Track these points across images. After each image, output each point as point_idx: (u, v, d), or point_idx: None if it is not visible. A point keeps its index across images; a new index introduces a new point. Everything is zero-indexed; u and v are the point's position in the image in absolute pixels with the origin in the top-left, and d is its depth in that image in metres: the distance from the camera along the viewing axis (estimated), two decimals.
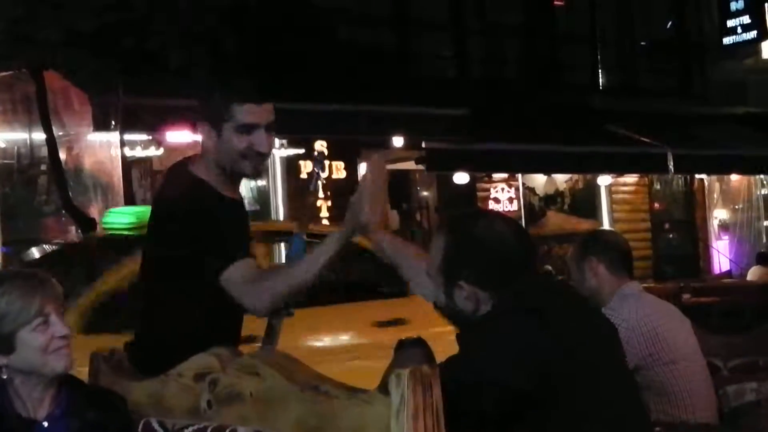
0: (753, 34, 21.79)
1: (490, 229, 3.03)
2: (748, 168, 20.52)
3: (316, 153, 14.46)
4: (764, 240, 22.29)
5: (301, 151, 16.12)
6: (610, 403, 2.82)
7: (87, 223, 11.18)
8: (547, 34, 20.23)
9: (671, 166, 18.43)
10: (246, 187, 16.86)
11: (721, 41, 22.20)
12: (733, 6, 21.97)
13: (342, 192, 16.58)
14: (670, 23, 22.55)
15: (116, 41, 10.44)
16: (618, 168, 19.21)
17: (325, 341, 7.99)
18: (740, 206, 22.13)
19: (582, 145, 17.72)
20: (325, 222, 16.44)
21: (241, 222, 3.82)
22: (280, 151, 16.05)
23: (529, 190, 19.64)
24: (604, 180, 19.87)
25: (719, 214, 22.12)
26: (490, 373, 2.70)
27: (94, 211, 12.09)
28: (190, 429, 2.94)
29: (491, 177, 18.70)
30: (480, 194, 18.71)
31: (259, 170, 3.78)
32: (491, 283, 2.96)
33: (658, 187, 21.20)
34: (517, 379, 2.70)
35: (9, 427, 3.01)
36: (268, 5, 14.72)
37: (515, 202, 18.84)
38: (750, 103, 22.05)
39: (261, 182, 16.68)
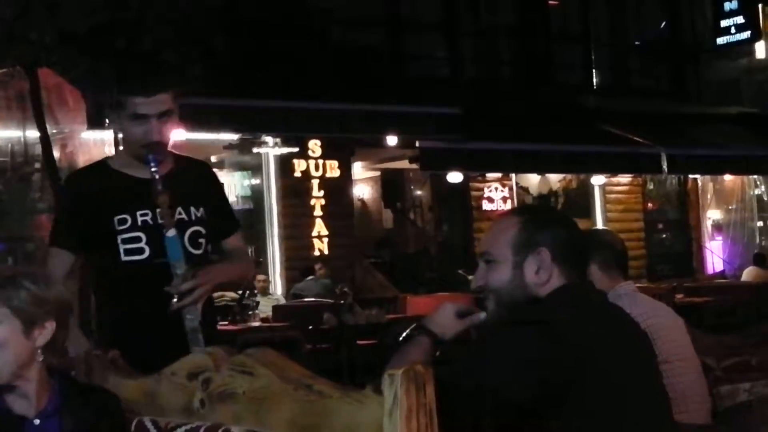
0: (747, 34, 21.83)
1: (562, 213, 3.12)
2: (741, 168, 20.52)
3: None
4: (757, 240, 22.31)
5: (295, 149, 16.11)
6: (627, 417, 2.81)
7: None
8: (541, 33, 20.24)
9: (665, 166, 18.44)
10: (240, 186, 16.86)
11: (715, 41, 22.23)
12: (727, 6, 22.00)
13: (336, 190, 16.60)
14: (663, 23, 22.57)
15: (110, 41, 10.42)
16: (611, 168, 19.22)
17: None
18: (734, 206, 22.14)
19: (575, 145, 17.74)
20: (319, 221, 16.46)
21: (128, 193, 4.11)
22: (274, 150, 16.05)
23: (523, 190, 19.66)
24: (597, 180, 19.89)
25: (713, 214, 22.13)
26: (491, 382, 2.70)
27: None
28: (183, 428, 2.94)
29: (485, 176, 18.70)
30: (474, 193, 18.72)
31: (156, 155, 4.01)
32: (568, 258, 2.99)
33: (652, 186, 21.23)
34: (517, 390, 2.70)
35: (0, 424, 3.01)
36: (261, 5, 14.72)
37: (509, 201, 18.85)
38: (743, 103, 22.08)
39: (255, 181, 16.68)
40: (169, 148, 4.19)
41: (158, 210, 4.00)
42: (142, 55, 10.41)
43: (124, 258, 4.04)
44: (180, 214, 4.07)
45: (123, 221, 4.04)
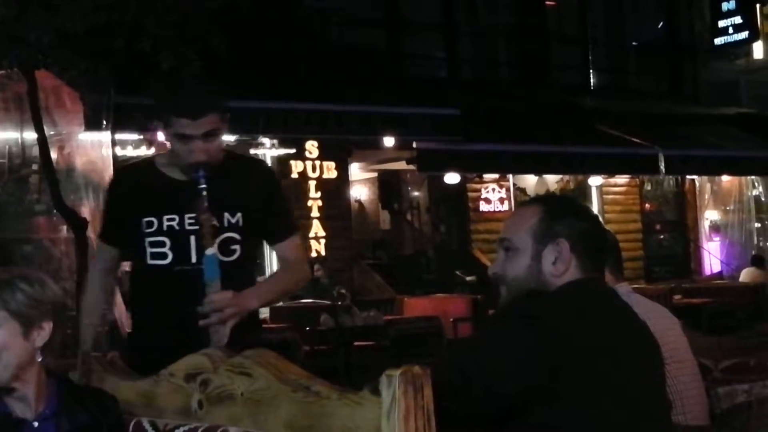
0: (744, 34, 21.85)
1: (584, 205, 3.12)
2: (739, 169, 20.55)
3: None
4: (755, 241, 22.32)
5: (292, 150, 16.12)
6: (622, 418, 2.80)
7: (78, 223, 11.15)
8: (539, 34, 20.26)
9: (662, 167, 18.46)
10: None
11: (713, 42, 22.24)
12: (725, 6, 22.02)
13: (333, 191, 16.60)
14: (661, 24, 22.58)
15: (107, 42, 10.43)
16: (609, 168, 19.24)
17: None
18: (731, 207, 22.14)
19: (573, 146, 17.75)
20: (316, 222, 16.46)
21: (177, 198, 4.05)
22: (271, 151, 16.05)
23: (520, 191, 19.66)
24: (595, 180, 19.91)
25: (710, 215, 22.14)
26: (477, 375, 2.70)
27: (85, 211, 12.04)
28: (181, 429, 2.94)
29: (482, 177, 18.71)
30: (471, 194, 18.73)
31: (198, 169, 3.96)
32: (586, 251, 2.97)
33: (649, 187, 21.23)
34: (503, 383, 2.70)
35: None
36: (259, 5, 14.72)
37: (506, 202, 18.86)
38: (741, 104, 22.10)
39: None
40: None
41: (196, 224, 3.93)
42: (139, 56, 10.42)
43: (149, 261, 4.01)
44: (212, 221, 3.95)
45: (150, 224, 3.99)
